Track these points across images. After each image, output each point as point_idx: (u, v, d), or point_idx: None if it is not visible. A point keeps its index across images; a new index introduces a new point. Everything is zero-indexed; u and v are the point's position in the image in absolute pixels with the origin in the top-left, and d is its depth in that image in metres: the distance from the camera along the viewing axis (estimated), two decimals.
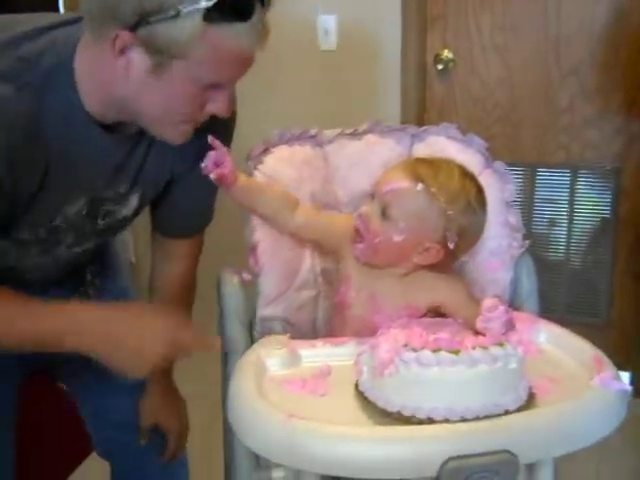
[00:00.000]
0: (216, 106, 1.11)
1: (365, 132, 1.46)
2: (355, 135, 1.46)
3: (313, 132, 1.44)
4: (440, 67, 2.57)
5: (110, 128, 1.15)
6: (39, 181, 1.11)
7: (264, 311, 1.31)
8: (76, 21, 1.12)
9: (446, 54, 2.57)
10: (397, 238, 1.23)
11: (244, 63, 1.07)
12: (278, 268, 1.31)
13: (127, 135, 1.19)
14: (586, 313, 2.64)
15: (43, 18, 1.14)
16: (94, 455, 1.71)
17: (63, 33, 1.10)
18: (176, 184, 1.34)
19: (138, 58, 1.02)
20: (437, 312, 1.27)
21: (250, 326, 1.30)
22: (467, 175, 1.29)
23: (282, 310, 1.33)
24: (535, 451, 0.96)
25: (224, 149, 1.21)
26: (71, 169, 1.14)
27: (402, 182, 1.24)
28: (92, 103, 1.10)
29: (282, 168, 1.37)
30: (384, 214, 1.24)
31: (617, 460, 2.29)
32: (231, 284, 1.29)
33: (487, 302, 1.13)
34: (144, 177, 1.26)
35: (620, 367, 1.05)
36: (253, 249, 1.30)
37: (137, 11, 0.97)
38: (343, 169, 1.44)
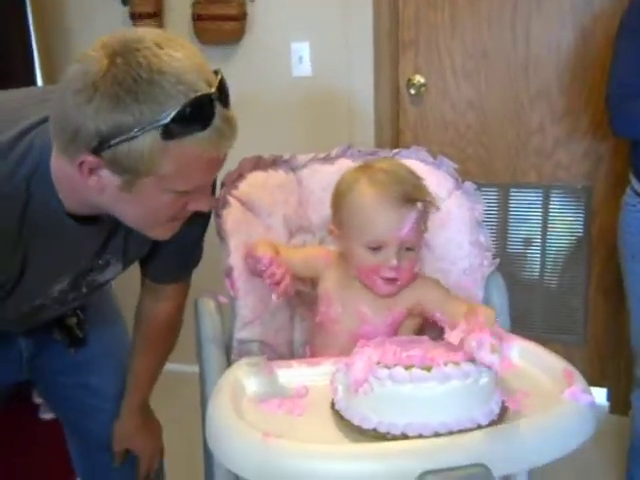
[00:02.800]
0: (197, 205, 1.09)
1: (337, 157, 1.49)
2: (327, 160, 1.48)
3: (286, 157, 1.46)
4: (412, 92, 2.61)
5: (89, 219, 1.15)
6: (19, 269, 1.14)
7: (241, 333, 1.32)
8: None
9: (418, 79, 2.60)
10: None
11: (213, 165, 1.04)
12: (254, 291, 1.33)
13: (106, 223, 1.18)
14: (562, 331, 2.67)
15: (19, 114, 1.11)
16: None
17: (40, 134, 1.07)
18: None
19: (108, 177, 1.00)
20: (419, 314, 1.31)
21: (227, 350, 1.31)
22: None
23: (259, 332, 1.34)
24: (508, 464, 0.97)
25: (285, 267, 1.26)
26: (52, 258, 1.16)
27: (413, 214, 1.25)
28: (70, 203, 1.10)
29: (256, 193, 1.39)
30: (409, 249, 1.27)
31: (597, 477, 2.30)
32: (208, 308, 1.30)
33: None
34: (128, 253, 1.28)
35: (597, 383, 1.07)
36: (229, 273, 1.31)
37: (97, 135, 0.95)
38: (317, 192, 1.47)
